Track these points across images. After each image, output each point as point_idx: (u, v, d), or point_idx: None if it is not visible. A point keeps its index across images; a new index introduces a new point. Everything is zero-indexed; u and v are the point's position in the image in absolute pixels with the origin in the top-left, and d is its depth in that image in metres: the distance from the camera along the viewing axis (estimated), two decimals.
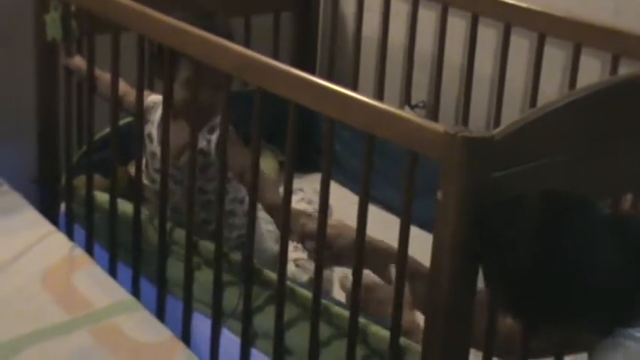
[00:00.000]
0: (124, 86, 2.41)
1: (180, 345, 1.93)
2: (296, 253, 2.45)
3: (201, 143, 2.30)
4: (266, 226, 2.50)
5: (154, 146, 2.40)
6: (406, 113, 1.73)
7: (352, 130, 1.84)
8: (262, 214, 2.37)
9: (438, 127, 1.65)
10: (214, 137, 2.31)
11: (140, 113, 2.34)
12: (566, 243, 1.47)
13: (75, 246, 2.26)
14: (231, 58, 2.04)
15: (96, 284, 2.10)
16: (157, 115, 2.41)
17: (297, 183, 2.67)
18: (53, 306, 2.03)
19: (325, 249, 1.92)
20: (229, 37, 2.20)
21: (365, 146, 1.81)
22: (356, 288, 1.86)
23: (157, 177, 2.36)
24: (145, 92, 2.39)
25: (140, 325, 1.97)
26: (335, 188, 2.94)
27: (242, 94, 2.64)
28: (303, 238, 2.02)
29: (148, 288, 2.38)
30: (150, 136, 2.44)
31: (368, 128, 1.78)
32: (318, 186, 1.94)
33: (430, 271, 1.67)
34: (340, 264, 2.01)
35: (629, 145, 1.73)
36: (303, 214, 2.10)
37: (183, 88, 2.27)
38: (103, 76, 2.44)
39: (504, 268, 1.53)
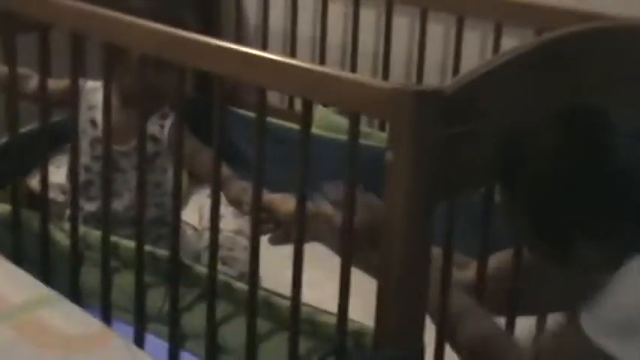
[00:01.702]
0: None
1: (113, 334, 1.75)
2: (222, 251, 2.30)
3: (153, 128, 2.17)
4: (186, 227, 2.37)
5: (99, 132, 2.23)
6: (348, 74, 1.62)
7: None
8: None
9: (385, 84, 1.55)
10: (168, 123, 2.18)
11: (44, 108, 2.16)
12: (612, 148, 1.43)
13: None
14: (146, 38, 1.89)
15: (9, 280, 1.89)
16: (97, 98, 2.24)
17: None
18: None
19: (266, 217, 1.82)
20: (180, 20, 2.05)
21: (301, 113, 1.69)
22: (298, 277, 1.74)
23: (94, 165, 2.23)
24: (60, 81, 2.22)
25: (66, 318, 1.77)
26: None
27: None
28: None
29: None
30: (94, 121, 2.27)
31: (306, 94, 1.67)
32: None
33: (383, 238, 1.56)
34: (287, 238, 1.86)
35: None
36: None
37: (130, 74, 2.10)
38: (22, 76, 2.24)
39: (546, 182, 1.47)
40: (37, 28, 2.10)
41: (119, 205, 2.22)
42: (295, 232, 1.72)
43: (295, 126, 2.36)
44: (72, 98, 2.09)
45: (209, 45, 1.79)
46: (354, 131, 1.61)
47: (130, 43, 1.95)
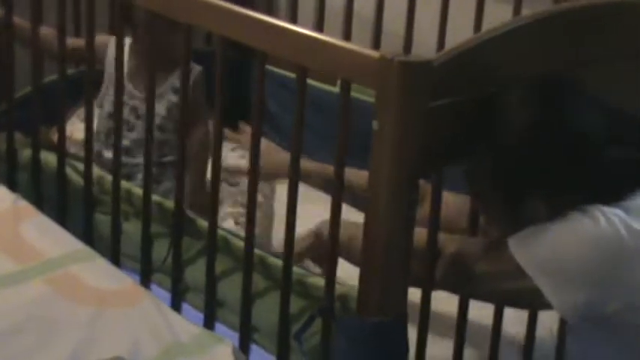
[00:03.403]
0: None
1: (144, 291, 1.78)
2: (235, 208, 2.32)
3: (177, 81, 2.20)
4: None
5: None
6: (337, 40, 1.61)
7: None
8: None
9: (374, 53, 1.54)
10: (192, 76, 2.21)
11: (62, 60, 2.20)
12: (567, 115, 1.50)
13: (19, 197, 2.09)
14: None
15: (45, 234, 1.92)
16: (110, 53, 2.30)
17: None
18: (1, 256, 1.85)
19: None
20: None
21: (297, 79, 1.70)
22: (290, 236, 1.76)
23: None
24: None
25: (99, 273, 1.81)
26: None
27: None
28: None
29: None
30: (111, 77, 2.31)
31: (299, 59, 1.67)
32: None
33: (368, 207, 1.56)
34: None
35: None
36: None
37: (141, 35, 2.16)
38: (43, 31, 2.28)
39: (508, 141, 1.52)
40: None
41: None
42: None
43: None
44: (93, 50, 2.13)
45: (212, 6, 1.80)
46: (345, 99, 1.62)
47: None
